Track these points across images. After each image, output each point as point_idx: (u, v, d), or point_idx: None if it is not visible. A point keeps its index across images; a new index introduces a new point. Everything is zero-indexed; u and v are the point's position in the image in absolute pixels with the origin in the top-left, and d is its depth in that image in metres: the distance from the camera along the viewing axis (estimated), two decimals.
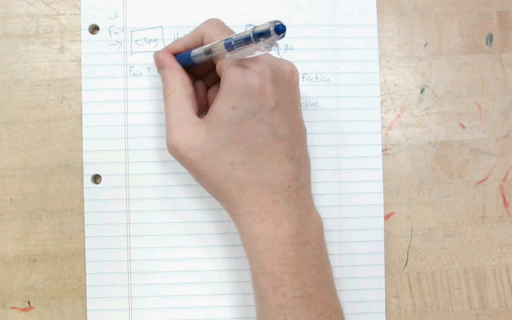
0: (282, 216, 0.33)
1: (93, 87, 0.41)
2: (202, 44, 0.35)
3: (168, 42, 0.41)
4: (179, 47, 0.37)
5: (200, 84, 0.39)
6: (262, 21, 0.40)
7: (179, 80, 0.36)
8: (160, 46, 0.41)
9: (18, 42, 0.41)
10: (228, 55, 0.32)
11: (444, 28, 0.43)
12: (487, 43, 0.43)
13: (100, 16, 0.41)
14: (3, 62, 0.41)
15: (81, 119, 0.41)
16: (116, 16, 0.41)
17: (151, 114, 0.41)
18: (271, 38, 0.29)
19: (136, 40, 0.41)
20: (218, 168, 0.34)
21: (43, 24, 0.41)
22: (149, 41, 0.41)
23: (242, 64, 0.33)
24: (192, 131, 0.34)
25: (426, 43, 0.43)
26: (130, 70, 0.41)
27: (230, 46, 0.31)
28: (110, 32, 0.41)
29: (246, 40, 0.30)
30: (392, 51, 0.43)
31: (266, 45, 0.30)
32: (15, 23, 0.41)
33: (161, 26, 0.41)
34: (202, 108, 0.38)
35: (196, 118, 0.35)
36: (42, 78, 0.41)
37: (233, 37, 0.31)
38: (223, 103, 0.33)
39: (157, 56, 0.37)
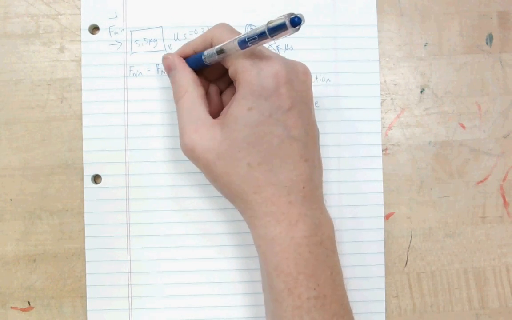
0: (298, 217, 0.33)
1: (93, 87, 0.41)
2: (212, 47, 0.36)
3: (168, 42, 0.41)
4: (188, 51, 0.37)
5: (214, 88, 0.39)
6: (262, 21, 0.40)
7: (191, 80, 0.36)
8: (160, 46, 0.41)
9: (18, 42, 0.41)
10: (240, 52, 0.32)
11: (444, 28, 0.43)
12: (487, 43, 0.43)
13: (100, 16, 0.41)
14: (3, 62, 0.41)
15: (81, 119, 0.41)
16: (116, 16, 0.41)
17: (151, 114, 0.41)
18: (287, 31, 0.29)
19: (136, 40, 0.41)
20: (234, 169, 0.34)
21: (43, 24, 0.41)
22: (149, 41, 0.41)
23: (257, 66, 0.33)
24: (208, 132, 0.34)
25: (426, 43, 0.43)
26: (130, 70, 0.41)
27: (244, 43, 0.31)
28: (110, 32, 0.41)
29: (260, 36, 0.30)
30: (392, 51, 0.43)
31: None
32: (15, 23, 0.41)
33: (161, 26, 0.41)
34: (218, 112, 0.38)
35: (211, 119, 0.35)
36: (42, 78, 0.41)
37: (247, 34, 0.31)
38: (239, 105, 0.33)
39: (167, 58, 0.37)
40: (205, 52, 0.36)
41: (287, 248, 0.33)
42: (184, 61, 0.37)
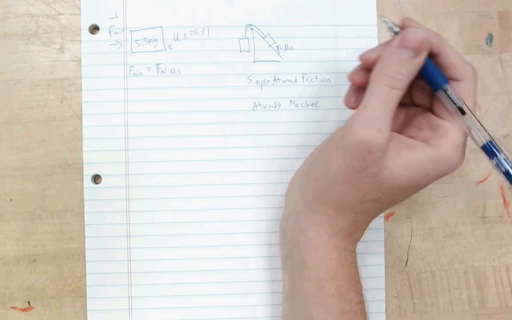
0: (356, 228, 0.35)
1: (93, 87, 0.41)
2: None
3: (168, 42, 0.41)
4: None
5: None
6: (262, 21, 0.40)
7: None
8: (160, 46, 0.41)
9: (18, 42, 0.41)
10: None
11: (444, 28, 0.43)
12: (487, 43, 0.43)
13: (100, 16, 0.41)
14: (3, 62, 0.41)
15: (81, 119, 0.41)
16: (116, 16, 0.41)
17: (151, 114, 0.41)
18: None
19: (136, 40, 0.41)
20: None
21: (43, 24, 0.41)
22: (149, 41, 0.41)
23: (461, 148, 0.32)
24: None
25: None
26: (130, 70, 0.41)
27: (490, 153, 0.31)
28: (110, 32, 0.41)
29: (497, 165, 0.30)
30: None
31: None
32: (15, 23, 0.41)
33: (161, 26, 0.41)
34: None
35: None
36: (42, 78, 0.41)
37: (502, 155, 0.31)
38: (425, 162, 0.31)
39: (423, 39, 0.31)
40: (446, 86, 0.31)
41: (343, 255, 0.34)
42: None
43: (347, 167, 0.31)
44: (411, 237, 0.42)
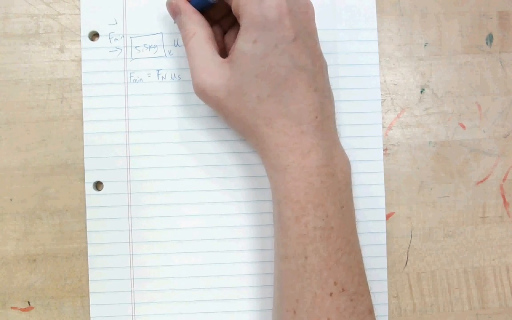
0: (310, 147, 0.33)
1: (93, 94, 0.41)
2: None
3: (168, 48, 0.41)
4: None
5: (217, 29, 0.39)
6: None
7: (198, 22, 0.36)
8: (160, 52, 0.41)
9: (18, 42, 0.41)
10: None
11: (444, 28, 0.43)
12: (487, 43, 0.43)
13: (100, 22, 0.41)
14: (3, 62, 0.41)
15: (81, 119, 0.41)
16: (116, 23, 0.41)
17: (152, 120, 0.41)
18: None
19: (136, 47, 0.41)
20: (245, 104, 0.34)
21: (43, 24, 0.41)
22: (149, 47, 0.41)
23: None
24: (217, 70, 0.35)
25: (426, 43, 0.43)
26: (130, 76, 0.41)
27: None
28: (110, 38, 0.41)
29: None
30: (392, 51, 0.43)
31: None
32: (15, 23, 0.41)
33: (161, 32, 0.41)
34: (221, 53, 0.38)
35: (219, 58, 0.35)
36: (42, 78, 0.41)
37: None
38: (244, 39, 0.34)
39: (171, 4, 0.37)
40: None
41: (298, 177, 0.33)
42: (188, 3, 0.37)
43: (216, 113, 0.37)
44: (411, 237, 0.42)
